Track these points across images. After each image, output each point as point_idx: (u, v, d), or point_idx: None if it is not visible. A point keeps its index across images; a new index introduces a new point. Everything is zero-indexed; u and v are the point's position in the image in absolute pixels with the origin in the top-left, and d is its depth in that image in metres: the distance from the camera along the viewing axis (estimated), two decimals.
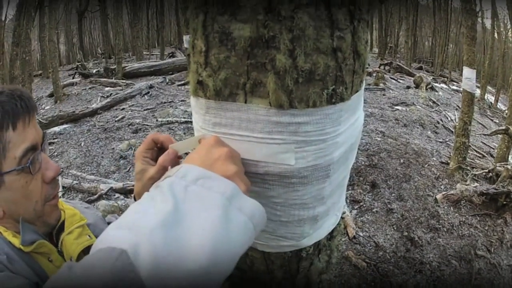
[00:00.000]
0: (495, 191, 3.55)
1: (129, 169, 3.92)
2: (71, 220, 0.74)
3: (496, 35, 15.52)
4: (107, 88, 8.25)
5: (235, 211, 0.41)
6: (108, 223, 0.87)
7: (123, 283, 0.34)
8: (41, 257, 0.67)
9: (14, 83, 5.53)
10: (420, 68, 16.87)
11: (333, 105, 0.50)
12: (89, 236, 0.77)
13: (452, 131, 5.84)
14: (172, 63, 9.56)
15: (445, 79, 14.21)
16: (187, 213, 0.39)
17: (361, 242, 2.53)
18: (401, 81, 10.35)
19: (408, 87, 9.10)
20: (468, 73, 4.06)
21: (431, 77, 12.74)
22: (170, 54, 14.00)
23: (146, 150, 0.63)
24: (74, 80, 9.36)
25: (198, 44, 0.51)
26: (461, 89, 4.42)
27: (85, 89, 8.48)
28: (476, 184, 3.76)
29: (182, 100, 6.68)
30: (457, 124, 4.36)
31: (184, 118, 5.47)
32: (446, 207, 3.27)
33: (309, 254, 0.71)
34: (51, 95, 8.46)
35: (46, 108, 7.52)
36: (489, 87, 15.08)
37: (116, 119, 5.59)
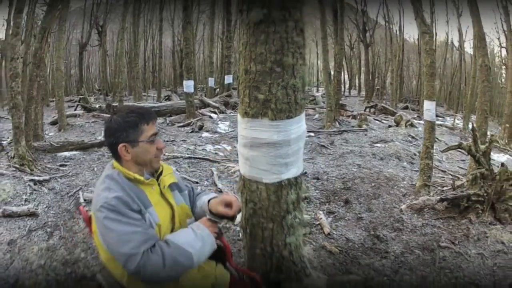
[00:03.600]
0: (454, 195, 3.94)
1: None
2: (166, 170, 1.62)
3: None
4: None
5: (206, 246, 1.46)
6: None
7: (187, 259, 1.36)
8: (149, 186, 1.50)
9: (31, 103, 6.11)
10: (406, 108, 18.27)
11: (290, 119, 1.62)
12: (175, 178, 1.65)
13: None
14: (171, 105, 10.67)
15: None
16: (201, 246, 1.43)
17: (334, 237, 3.38)
18: (384, 121, 11.35)
19: (390, 126, 10.12)
20: (428, 105, 4.89)
21: (416, 115, 14.04)
22: (166, 97, 15.32)
23: (223, 201, 1.62)
24: (76, 112, 10.42)
25: (245, 100, 1.59)
26: (423, 119, 5.26)
27: (88, 122, 9.47)
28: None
29: (183, 140, 7.50)
30: (422, 148, 5.02)
31: (187, 154, 6.35)
32: (409, 214, 3.92)
33: (286, 185, 1.76)
34: (53, 123, 9.34)
35: (50, 134, 8.35)
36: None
37: None
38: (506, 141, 11.35)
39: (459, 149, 4.88)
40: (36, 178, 4.86)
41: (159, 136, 1.58)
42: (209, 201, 1.62)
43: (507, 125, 12.14)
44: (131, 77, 13.69)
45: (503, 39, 16.33)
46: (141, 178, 1.48)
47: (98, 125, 9.27)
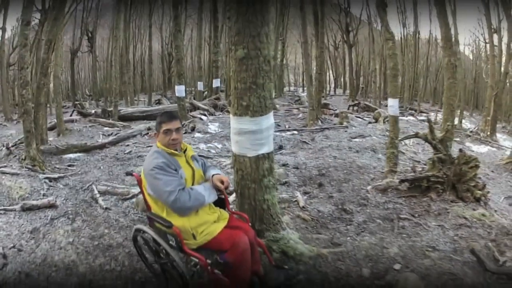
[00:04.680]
0: (413, 177, 4.49)
1: None
2: (188, 147, 2.74)
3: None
4: (106, 128, 10.02)
5: (212, 194, 2.52)
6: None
7: (202, 198, 2.43)
8: (179, 157, 2.53)
9: (39, 109, 6.76)
10: None
11: (262, 116, 2.76)
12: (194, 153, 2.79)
13: (403, 153, 7.28)
14: (163, 109, 11.67)
15: (414, 111, 16.38)
16: (209, 193, 2.49)
17: (308, 209, 4.31)
18: (366, 118, 12.31)
19: (370, 123, 11.12)
20: (392, 102, 5.87)
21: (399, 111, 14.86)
22: (157, 101, 16.24)
23: (219, 179, 2.57)
24: (73, 117, 11.19)
25: (235, 105, 2.61)
26: (388, 114, 6.13)
27: (86, 126, 10.18)
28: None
29: None
30: (387, 139, 5.93)
31: None
32: (374, 193, 4.61)
33: (261, 158, 2.91)
34: (50, 128, 9.77)
35: (50, 139, 8.79)
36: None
37: (125, 152, 7.21)
38: (488, 133, 12.23)
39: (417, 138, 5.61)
40: (51, 176, 5.44)
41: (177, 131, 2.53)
42: (213, 175, 2.61)
43: (488, 118, 13.14)
44: (122, 82, 14.43)
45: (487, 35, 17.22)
46: (175, 152, 2.48)
47: (95, 129, 10.00)
